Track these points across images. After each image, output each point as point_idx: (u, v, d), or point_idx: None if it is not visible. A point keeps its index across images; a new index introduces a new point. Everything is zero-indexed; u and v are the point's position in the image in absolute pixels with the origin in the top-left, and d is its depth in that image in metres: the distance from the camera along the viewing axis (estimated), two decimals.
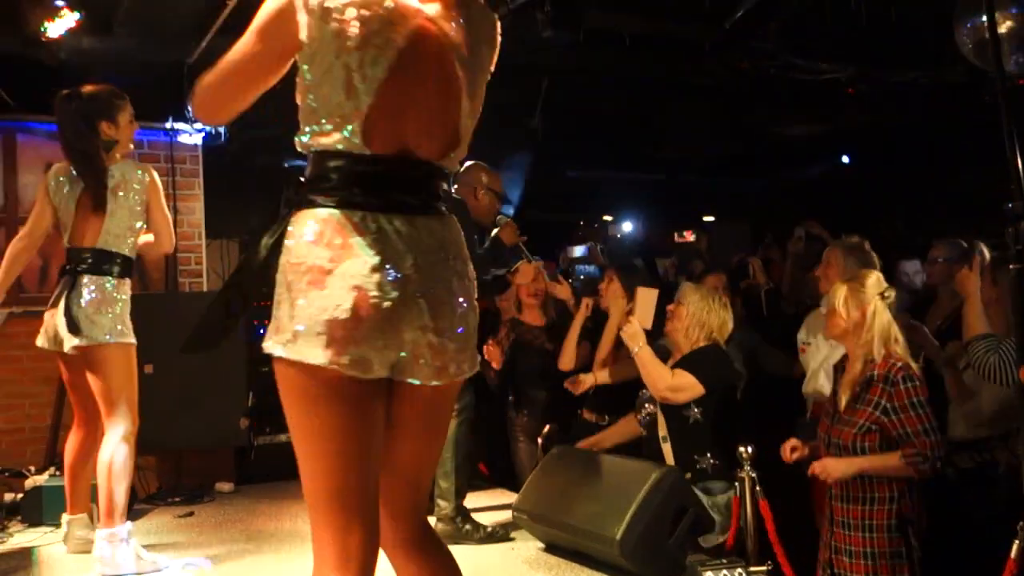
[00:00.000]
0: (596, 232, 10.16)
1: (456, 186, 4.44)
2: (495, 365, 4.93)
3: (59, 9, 4.60)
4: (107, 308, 3.70)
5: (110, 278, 3.73)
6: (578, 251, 9.33)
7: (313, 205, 1.74)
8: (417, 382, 1.77)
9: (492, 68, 1.96)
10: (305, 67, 1.75)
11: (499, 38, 1.96)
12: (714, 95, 7.07)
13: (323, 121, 1.74)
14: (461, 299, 1.83)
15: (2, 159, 5.71)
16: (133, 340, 3.79)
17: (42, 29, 4.68)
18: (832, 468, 3.15)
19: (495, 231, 4.47)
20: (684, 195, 10.44)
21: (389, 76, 1.72)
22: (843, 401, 3.24)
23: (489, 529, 4.12)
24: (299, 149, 1.82)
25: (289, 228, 1.75)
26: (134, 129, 3.88)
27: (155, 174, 3.89)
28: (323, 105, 1.74)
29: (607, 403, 4.63)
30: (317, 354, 1.66)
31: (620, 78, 6.58)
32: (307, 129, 1.78)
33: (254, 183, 6.20)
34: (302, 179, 1.80)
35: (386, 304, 1.68)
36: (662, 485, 3.52)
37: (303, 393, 1.72)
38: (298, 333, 1.68)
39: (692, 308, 4.00)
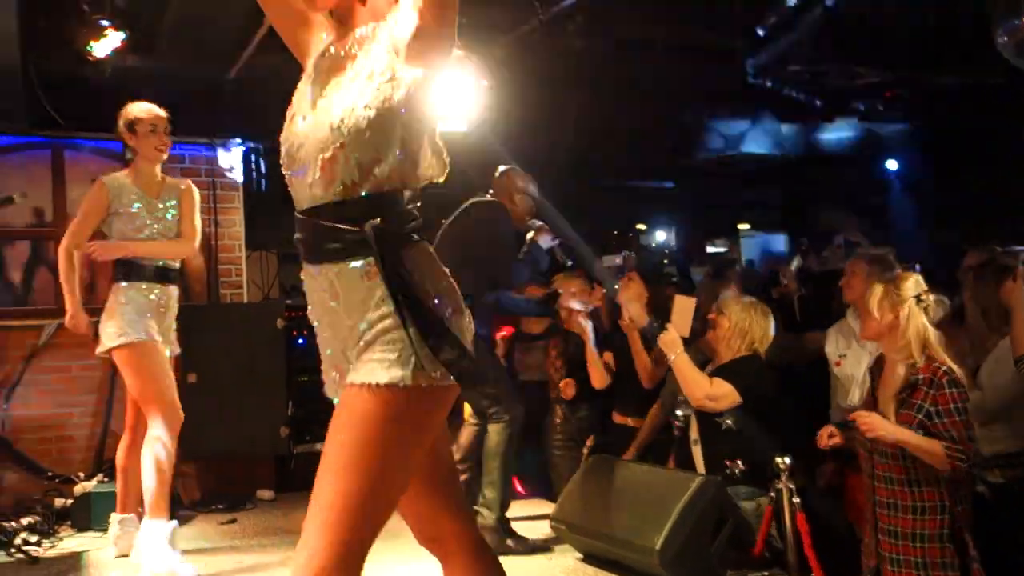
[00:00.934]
0: (629, 241, 10.17)
1: (491, 191, 4.50)
2: (566, 395, 4.99)
3: (105, 29, 4.71)
4: (112, 312, 3.88)
5: (117, 283, 3.93)
6: (610, 261, 9.34)
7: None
8: None
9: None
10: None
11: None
12: (748, 102, 7.06)
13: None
14: None
15: (51, 175, 5.86)
16: (137, 338, 3.85)
17: (88, 49, 4.80)
18: (879, 424, 3.04)
19: (530, 235, 4.52)
20: (718, 204, 10.42)
21: None
22: (886, 405, 3.19)
23: (530, 542, 4.14)
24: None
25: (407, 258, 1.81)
26: (159, 140, 4.03)
27: (192, 187, 4.13)
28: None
29: (637, 404, 4.67)
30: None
31: (653, 86, 6.60)
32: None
33: (272, 196, 6.32)
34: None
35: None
36: (702, 495, 3.53)
37: (426, 423, 1.77)
38: (460, 358, 1.77)
39: (734, 318, 4.02)
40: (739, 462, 3.80)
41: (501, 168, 4.64)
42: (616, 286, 4.75)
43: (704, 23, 5.50)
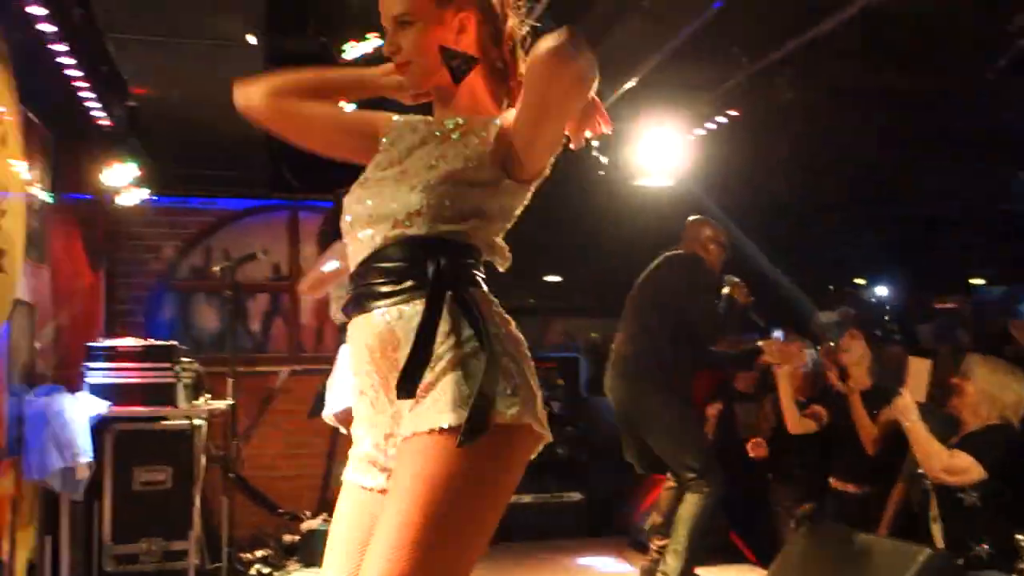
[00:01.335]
0: (847, 297, 9.73)
1: (681, 243, 4.47)
2: (756, 455, 4.88)
3: None
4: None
5: None
6: (828, 317, 8.97)
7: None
8: None
9: None
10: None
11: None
12: (977, 147, 6.64)
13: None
14: None
15: (287, 234, 6.45)
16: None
17: None
18: None
19: (726, 290, 4.44)
20: (945, 257, 9.77)
21: None
22: None
23: None
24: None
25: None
26: None
27: None
28: None
29: (857, 470, 4.43)
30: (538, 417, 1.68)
31: (870, 134, 6.36)
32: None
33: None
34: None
35: None
36: (929, 570, 3.29)
37: (513, 462, 1.64)
38: (533, 398, 1.67)
39: (981, 383, 3.74)
40: (985, 544, 3.51)
41: (691, 217, 4.61)
42: (833, 343, 4.59)
43: (924, 65, 5.26)
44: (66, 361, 5.29)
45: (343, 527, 1.74)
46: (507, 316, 1.74)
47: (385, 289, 1.67)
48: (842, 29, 4.49)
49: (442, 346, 1.62)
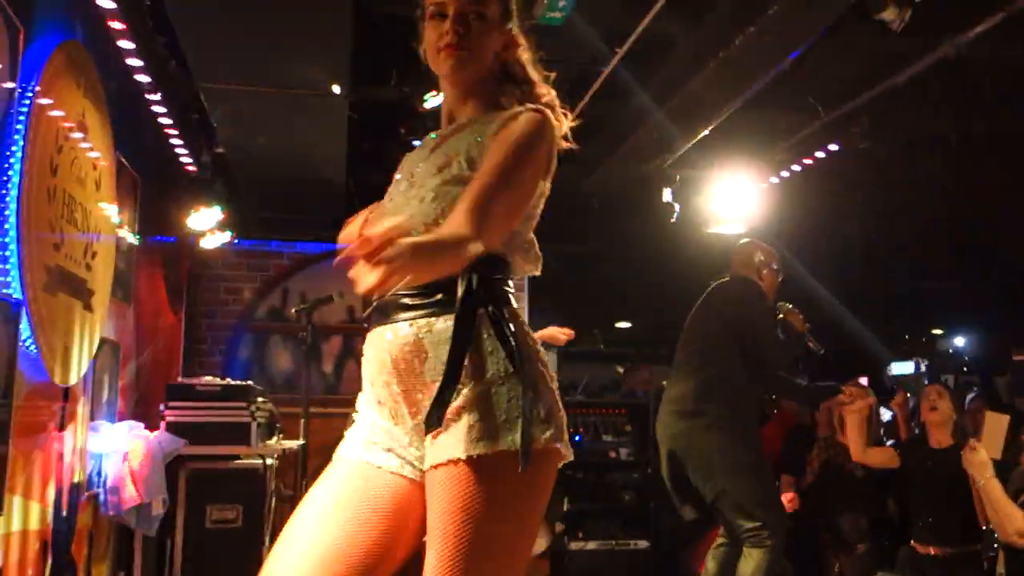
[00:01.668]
0: (923, 347, 9.49)
1: (732, 269, 4.29)
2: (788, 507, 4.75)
3: None
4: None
5: None
6: (900, 368, 8.75)
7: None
8: None
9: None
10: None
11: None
12: None
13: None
14: None
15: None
16: None
17: None
18: None
19: (780, 316, 4.19)
20: None
21: None
22: None
23: None
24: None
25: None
26: None
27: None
28: None
29: (942, 531, 4.27)
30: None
31: (946, 183, 6.25)
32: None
33: (564, 295, 6.58)
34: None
35: None
36: None
37: (546, 485, 1.63)
38: (563, 421, 1.67)
39: None
40: None
41: (741, 241, 4.45)
42: (908, 394, 4.47)
43: (1005, 113, 5.17)
44: (146, 399, 5.43)
45: (331, 492, 1.68)
46: (534, 335, 1.71)
47: (413, 301, 1.62)
48: (919, 78, 4.46)
49: (474, 369, 1.58)
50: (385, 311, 1.66)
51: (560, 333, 4.15)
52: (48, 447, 3.75)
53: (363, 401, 1.76)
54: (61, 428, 3.86)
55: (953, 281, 9.19)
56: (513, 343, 1.59)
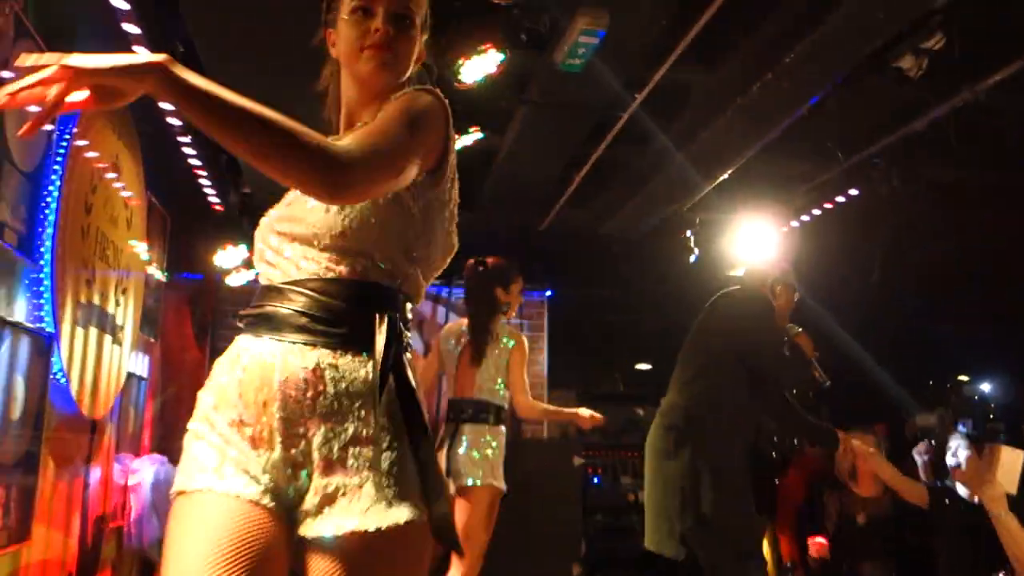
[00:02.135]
0: (947, 396, 9.38)
1: (746, 282, 4.14)
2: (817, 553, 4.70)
3: None
4: (479, 452, 3.94)
5: (485, 425, 3.97)
6: (925, 420, 8.65)
7: None
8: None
9: None
10: None
11: None
12: None
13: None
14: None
15: None
16: (501, 485, 3.92)
17: None
18: None
19: (790, 337, 4.05)
20: None
21: None
22: None
23: None
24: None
25: None
26: (520, 298, 4.28)
27: (524, 342, 4.16)
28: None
29: None
30: None
31: (970, 229, 6.26)
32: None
33: (585, 337, 6.61)
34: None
35: None
36: None
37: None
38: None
39: None
40: None
41: (757, 262, 4.37)
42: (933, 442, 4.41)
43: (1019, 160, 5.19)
44: (170, 433, 5.51)
45: (210, 538, 1.36)
46: (565, 411, 1.61)
47: (312, 324, 1.45)
48: (938, 123, 4.50)
49: (385, 424, 1.44)
50: (273, 322, 1.48)
51: (587, 416, 4.14)
52: (75, 478, 3.82)
53: (213, 414, 1.48)
54: (88, 460, 3.94)
55: (978, 326, 9.13)
56: (417, 402, 1.48)
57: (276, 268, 1.53)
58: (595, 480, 5.88)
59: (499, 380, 4.06)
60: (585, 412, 4.12)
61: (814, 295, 5.42)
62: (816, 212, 5.93)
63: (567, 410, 4.25)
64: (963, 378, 10.39)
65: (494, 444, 3.96)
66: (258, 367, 1.46)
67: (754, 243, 5.74)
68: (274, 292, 1.51)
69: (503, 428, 4.02)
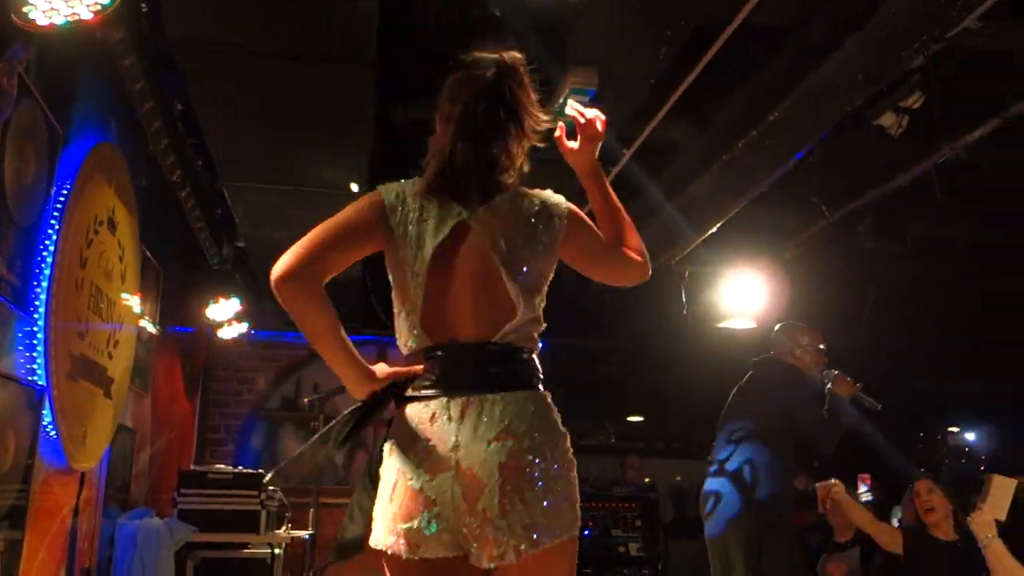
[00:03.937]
0: (938, 445, 9.39)
1: (773, 353, 4.33)
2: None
3: None
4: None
5: None
6: (918, 476, 8.66)
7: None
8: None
9: (556, 235, 1.99)
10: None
11: (560, 209, 2.01)
12: None
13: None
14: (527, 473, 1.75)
15: None
16: None
17: None
18: None
19: (827, 386, 4.16)
20: None
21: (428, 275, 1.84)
22: None
23: None
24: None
25: None
26: None
27: None
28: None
29: None
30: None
31: (956, 285, 6.33)
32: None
33: (576, 388, 6.60)
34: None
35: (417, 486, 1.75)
36: None
37: None
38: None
39: None
40: None
41: (777, 326, 4.49)
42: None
43: (1003, 220, 5.28)
44: (159, 485, 5.48)
45: None
46: None
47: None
48: (921, 179, 4.58)
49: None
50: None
51: None
52: (62, 531, 3.80)
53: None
54: (76, 512, 3.92)
55: (966, 380, 9.17)
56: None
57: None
58: (585, 532, 5.84)
59: None
60: None
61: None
62: (805, 264, 5.99)
63: None
64: (953, 429, 10.41)
65: None
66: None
67: (743, 295, 5.80)
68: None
69: None
